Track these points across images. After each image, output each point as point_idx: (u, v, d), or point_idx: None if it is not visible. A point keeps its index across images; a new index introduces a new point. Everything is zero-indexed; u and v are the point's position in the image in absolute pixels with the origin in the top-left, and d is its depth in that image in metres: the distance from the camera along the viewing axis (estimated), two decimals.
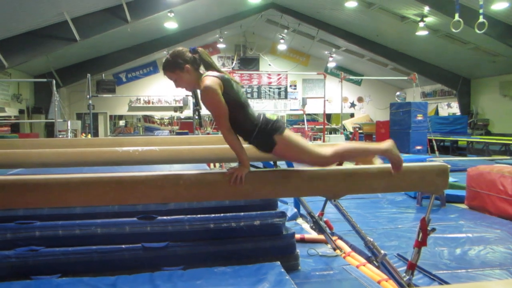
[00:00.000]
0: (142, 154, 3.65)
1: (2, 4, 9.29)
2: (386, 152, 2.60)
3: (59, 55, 13.89)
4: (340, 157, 2.62)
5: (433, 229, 2.89)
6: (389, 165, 2.63)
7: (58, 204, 2.99)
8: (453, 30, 8.42)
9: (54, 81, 11.39)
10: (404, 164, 2.67)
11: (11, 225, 3.52)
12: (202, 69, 2.53)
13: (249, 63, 21.72)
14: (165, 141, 4.58)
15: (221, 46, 19.90)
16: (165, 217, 3.69)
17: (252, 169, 2.47)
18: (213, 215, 3.77)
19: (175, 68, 2.47)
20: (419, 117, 13.51)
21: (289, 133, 2.48)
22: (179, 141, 4.47)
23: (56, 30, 11.57)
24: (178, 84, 2.56)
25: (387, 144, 2.63)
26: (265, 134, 2.43)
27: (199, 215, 3.75)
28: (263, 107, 21.37)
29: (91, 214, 3.69)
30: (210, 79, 2.36)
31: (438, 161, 9.81)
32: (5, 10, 9.67)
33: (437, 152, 13.04)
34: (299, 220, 5.75)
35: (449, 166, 2.86)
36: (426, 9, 13.25)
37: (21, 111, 15.81)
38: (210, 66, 2.50)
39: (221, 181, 2.40)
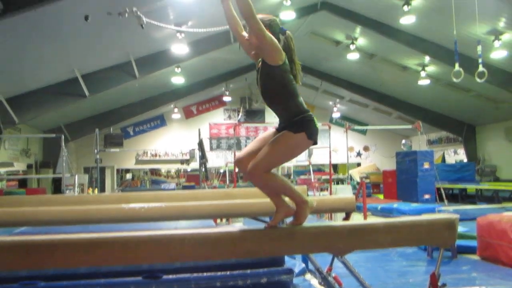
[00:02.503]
0: (148, 211, 3.65)
1: (16, 63, 9.60)
2: (303, 203, 2.63)
3: (68, 110, 14.16)
4: (267, 180, 2.60)
5: (444, 285, 2.82)
6: (395, 219, 2.61)
7: (64, 265, 2.97)
8: (454, 79, 8.54)
9: (63, 137, 11.54)
10: (411, 218, 2.66)
11: (15, 286, 3.48)
12: None
13: (254, 115, 21.97)
14: (172, 196, 4.58)
15: (227, 99, 20.22)
16: (170, 276, 3.64)
17: (256, 225, 2.46)
18: (219, 273, 3.71)
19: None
20: (426, 166, 13.45)
21: (305, 147, 2.64)
22: (186, 197, 4.48)
23: (66, 87, 11.85)
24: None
25: (310, 199, 2.70)
26: (303, 124, 2.60)
27: (205, 274, 3.69)
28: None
29: (96, 273, 3.65)
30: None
31: (447, 210, 9.70)
32: (18, 68, 9.99)
33: (446, 201, 12.87)
34: (308, 276, 5.62)
35: (457, 217, 2.83)
36: (427, 59, 13.52)
37: (29, 166, 15.94)
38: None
39: (225, 239, 2.39)
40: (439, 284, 2.79)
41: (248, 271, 3.77)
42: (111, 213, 3.57)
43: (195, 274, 3.68)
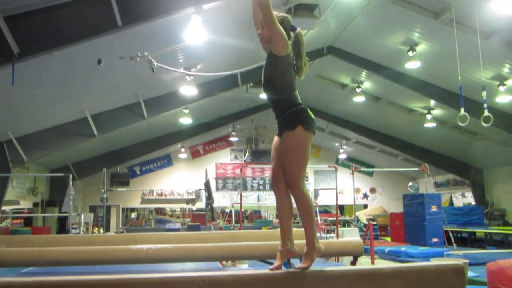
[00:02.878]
0: (155, 252, 3.66)
1: (28, 103, 9.78)
2: (314, 247, 2.71)
3: (76, 149, 14.28)
4: (300, 201, 2.77)
5: None
6: (403, 265, 2.61)
7: None
8: (460, 124, 8.61)
9: (71, 176, 11.60)
10: (419, 264, 2.65)
11: None
12: None
13: (261, 155, 22.05)
14: (179, 237, 4.59)
15: (233, 139, 20.37)
16: None
17: (264, 268, 2.47)
18: None
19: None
20: (434, 209, 13.35)
21: (307, 139, 2.74)
22: (192, 238, 4.49)
23: (75, 126, 11.99)
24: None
25: (321, 247, 2.78)
26: (297, 117, 2.73)
27: None
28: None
29: None
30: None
31: (457, 254, 9.56)
32: (29, 108, 10.16)
33: (454, 245, 12.70)
34: None
35: (467, 262, 2.83)
36: (432, 102, 13.64)
37: (35, 204, 15.96)
38: None
39: (234, 282, 2.39)
40: None
41: None
42: (118, 254, 3.58)
43: None
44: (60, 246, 4.20)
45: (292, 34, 2.95)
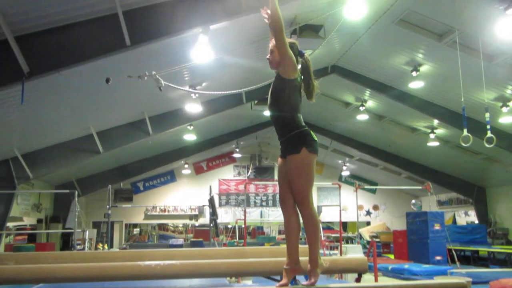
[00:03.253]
0: (163, 268, 3.72)
1: (34, 121, 9.90)
2: (317, 264, 2.81)
3: (81, 166, 14.37)
4: (309, 220, 2.86)
5: None
6: (407, 282, 2.68)
7: None
8: (463, 144, 8.69)
9: (76, 193, 11.66)
10: (424, 282, 2.72)
11: None
12: None
13: (264, 172, 22.12)
14: (185, 254, 4.64)
15: (237, 155, 20.47)
16: None
17: (268, 285, 2.55)
18: None
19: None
20: (437, 227, 13.36)
21: (312, 160, 2.85)
22: (199, 254, 4.54)
23: (81, 143, 12.08)
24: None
25: (324, 263, 2.89)
26: (300, 139, 2.83)
27: None
28: (278, 215, 21.32)
29: None
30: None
31: (460, 273, 9.57)
32: (35, 126, 10.28)
33: (458, 263, 12.68)
34: None
35: (470, 280, 2.89)
36: (436, 121, 13.72)
37: (39, 220, 15.99)
38: None
39: None
40: None
41: None
42: (128, 270, 3.64)
43: None
44: (68, 263, 4.27)
45: (299, 59, 3.06)
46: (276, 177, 21.81)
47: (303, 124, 2.95)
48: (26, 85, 6.79)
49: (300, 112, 3.00)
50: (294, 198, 2.87)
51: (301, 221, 2.96)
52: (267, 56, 3.06)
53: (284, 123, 2.94)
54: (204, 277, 3.82)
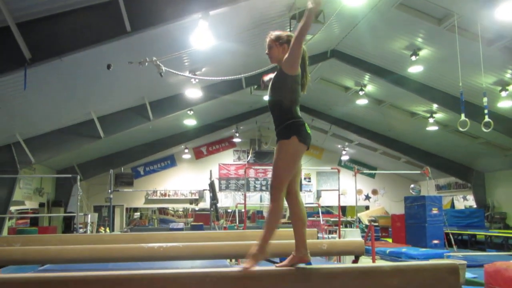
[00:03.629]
0: (166, 250, 3.84)
1: (36, 106, 9.97)
2: (261, 250, 2.76)
3: (82, 151, 14.47)
4: (273, 205, 2.88)
5: None
6: (401, 263, 2.78)
7: None
8: (461, 129, 8.76)
9: (78, 177, 11.78)
10: (416, 262, 2.82)
11: None
12: None
13: (264, 156, 22.23)
14: (187, 237, 4.78)
15: (236, 140, 20.57)
16: None
17: (269, 266, 2.65)
18: None
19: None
20: (434, 211, 13.49)
21: (300, 151, 2.89)
22: (200, 237, 4.67)
23: (82, 128, 12.18)
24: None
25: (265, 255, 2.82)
26: (293, 129, 2.89)
27: None
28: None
29: None
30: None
31: (456, 256, 9.72)
32: (37, 111, 10.35)
33: (455, 247, 12.86)
34: None
35: (463, 263, 3.00)
36: (435, 106, 13.77)
37: (41, 204, 16.16)
38: None
39: (243, 277, 2.57)
40: None
41: None
42: (132, 251, 3.76)
43: None
44: (73, 245, 4.39)
45: None
46: None
47: (299, 116, 3.00)
48: (28, 71, 6.85)
49: (299, 104, 3.05)
50: (271, 182, 2.91)
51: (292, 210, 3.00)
52: (266, 52, 3.10)
53: (281, 114, 2.98)
54: (206, 258, 3.94)
